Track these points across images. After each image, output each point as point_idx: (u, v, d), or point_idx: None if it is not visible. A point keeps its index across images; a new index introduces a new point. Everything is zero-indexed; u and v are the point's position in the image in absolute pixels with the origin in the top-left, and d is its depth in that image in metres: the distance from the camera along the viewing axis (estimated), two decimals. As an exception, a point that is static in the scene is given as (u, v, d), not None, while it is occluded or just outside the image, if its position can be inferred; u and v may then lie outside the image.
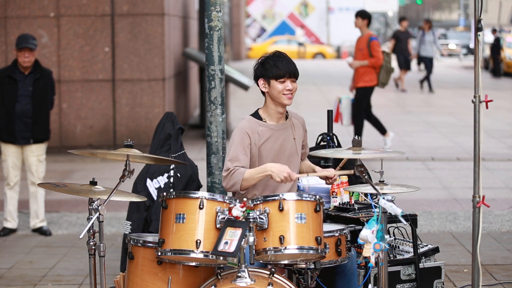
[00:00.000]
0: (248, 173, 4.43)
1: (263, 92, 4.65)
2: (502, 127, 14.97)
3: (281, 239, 3.93)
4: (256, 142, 4.55)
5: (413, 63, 32.06)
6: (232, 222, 3.90)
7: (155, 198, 5.79)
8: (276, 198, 4.02)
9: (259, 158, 4.57)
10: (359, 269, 4.90)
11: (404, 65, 22.19)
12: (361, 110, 11.52)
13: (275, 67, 4.54)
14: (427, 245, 5.36)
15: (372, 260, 3.88)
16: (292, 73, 4.55)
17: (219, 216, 3.98)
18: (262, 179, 4.45)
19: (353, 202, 5.23)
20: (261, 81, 4.60)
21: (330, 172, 4.66)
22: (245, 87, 13.50)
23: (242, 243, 3.82)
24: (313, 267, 4.17)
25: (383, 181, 4.41)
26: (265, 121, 4.63)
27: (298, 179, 5.13)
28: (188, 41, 15.77)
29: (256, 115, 4.66)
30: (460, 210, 8.55)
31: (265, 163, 4.49)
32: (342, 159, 5.90)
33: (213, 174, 5.61)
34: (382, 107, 17.58)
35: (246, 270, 3.92)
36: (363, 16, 11.45)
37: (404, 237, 5.45)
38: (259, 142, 4.56)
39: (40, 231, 7.76)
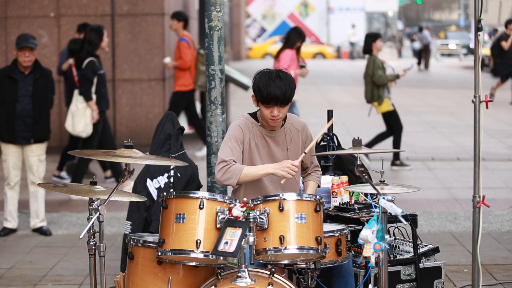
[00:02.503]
0: (247, 170, 4.43)
1: None
2: (502, 127, 14.96)
3: (281, 239, 3.93)
4: (248, 141, 4.56)
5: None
6: (232, 222, 3.91)
7: (155, 198, 5.78)
8: (276, 198, 4.02)
9: (249, 160, 4.56)
10: (359, 269, 4.90)
11: (507, 74, 18.36)
12: (190, 113, 11.44)
13: (263, 91, 4.39)
14: (427, 245, 5.36)
15: (372, 260, 3.88)
16: (279, 101, 4.40)
17: (219, 216, 3.98)
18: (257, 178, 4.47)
19: (353, 202, 5.22)
20: (253, 97, 4.55)
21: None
22: (245, 87, 13.50)
23: (242, 243, 3.82)
24: (313, 267, 4.18)
25: (384, 181, 4.41)
26: (261, 125, 4.64)
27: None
28: (188, 41, 15.75)
29: (254, 115, 4.67)
30: (460, 210, 8.55)
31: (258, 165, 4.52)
32: (343, 158, 5.91)
33: (213, 174, 5.60)
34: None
35: (246, 270, 3.92)
36: (179, 18, 11.26)
37: (404, 237, 5.45)
38: (251, 142, 4.56)
39: (40, 231, 7.76)
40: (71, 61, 9.58)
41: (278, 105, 4.42)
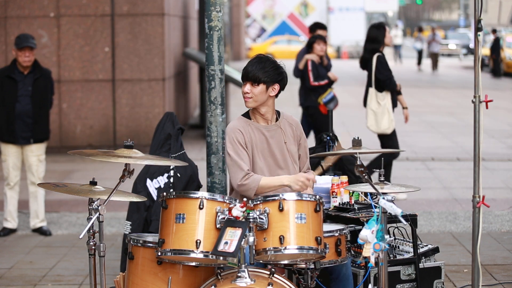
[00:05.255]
0: (264, 181, 4.47)
1: None
2: (502, 127, 14.97)
3: (281, 239, 3.93)
4: (249, 140, 4.58)
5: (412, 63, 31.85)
6: (232, 222, 3.90)
7: (155, 198, 5.78)
8: (276, 198, 4.02)
9: (254, 157, 4.57)
10: (359, 269, 4.90)
11: None
12: None
13: (243, 70, 4.62)
14: (427, 245, 5.36)
15: (372, 260, 3.88)
16: (249, 77, 4.57)
17: (219, 216, 3.98)
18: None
19: (353, 202, 5.23)
20: None
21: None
22: (245, 87, 13.49)
23: (242, 243, 3.82)
24: (313, 267, 4.17)
25: (383, 180, 4.41)
26: (254, 121, 4.67)
27: None
28: (188, 41, 15.77)
29: (246, 115, 4.72)
30: (460, 210, 8.55)
31: (257, 165, 4.55)
32: (343, 158, 5.91)
33: (213, 174, 5.60)
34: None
35: (246, 270, 3.92)
36: None
37: (404, 237, 5.45)
38: (250, 139, 4.58)
39: (40, 231, 7.76)
40: (308, 56, 9.57)
41: (249, 82, 4.56)
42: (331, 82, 9.69)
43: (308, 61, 9.55)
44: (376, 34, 8.70)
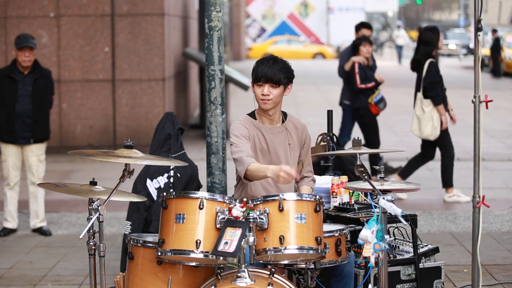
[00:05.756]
0: (254, 166, 4.39)
1: None
2: (502, 127, 14.96)
3: (281, 239, 3.93)
4: (252, 137, 4.57)
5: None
6: (232, 222, 3.90)
7: (155, 198, 5.78)
8: (276, 198, 4.02)
9: (255, 157, 4.57)
10: (359, 269, 4.90)
11: None
12: None
13: (256, 70, 4.54)
14: (427, 245, 5.36)
15: (372, 260, 3.88)
16: (269, 78, 4.50)
17: (219, 216, 3.98)
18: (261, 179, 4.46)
19: (353, 202, 5.23)
20: (251, 83, 4.65)
21: None
22: (245, 87, 13.51)
23: (242, 243, 3.82)
24: (313, 267, 4.18)
25: (383, 177, 4.41)
26: (259, 122, 4.65)
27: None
28: (188, 41, 15.77)
29: (252, 114, 4.70)
30: (460, 210, 8.55)
31: (261, 163, 4.53)
32: (342, 158, 5.91)
33: (213, 174, 5.60)
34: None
35: (246, 270, 3.92)
36: None
37: (404, 237, 5.45)
38: (254, 138, 4.58)
39: (40, 231, 7.76)
40: (354, 58, 9.55)
41: (269, 83, 4.50)
42: (377, 84, 9.67)
43: (355, 63, 9.52)
44: (431, 37, 8.66)
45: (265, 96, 4.52)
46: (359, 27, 10.21)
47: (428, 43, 8.67)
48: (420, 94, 8.74)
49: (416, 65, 8.81)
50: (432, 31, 8.80)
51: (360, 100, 9.64)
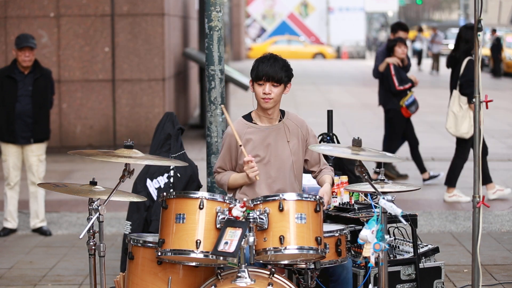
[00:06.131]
0: (232, 178, 4.62)
1: None
2: (502, 127, 14.96)
3: (281, 239, 3.93)
4: (244, 142, 4.56)
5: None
6: (232, 222, 3.90)
7: (155, 198, 5.78)
8: (276, 198, 4.02)
9: (254, 158, 4.56)
10: (359, 269, 4.90)
11: None
12: None
13: (256, 69, 4.52)
14: (427, 245, 5.36)
15: (372, 260, 3.88)
16: (270, 77, 4.48)
17: (219, 216, 3.98)
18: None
19: (353, 202, 5.22)
20: (250, 82, 4.63)
21: None
22: (245, 87, 13.51)
23: (242, 243, 3.82)
24: (313, 267, 4.17)
25: (384, 179, 4.41)
26: (255, 123, 4.63)
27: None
28: (188, 41, 15.77)
29: (248, 116, 4.68)
30: (460, 210, 8.55)
31: (258, 166, 4.54)
32: (343, 158, 5.90)
33: (213, 174, 5.60)
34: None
35: (246, 270, 3.92)
36: None
37: (404, 237, 5.45)
38: (249, 140, 4.57)
39: (40, 231, 7.76)
40: (389, 60, 9.52)
41: (270, 82, 4.49)
42: (412, 85, 9.64)
43: (390, 65, 9.49)
44: (471, 36, 8.58)
45: (266, 95, 4.51)
46: (396, 28, 10.14)
47: (468, 41, 8.63)
48: (456, 92, 8.75)
49: (453, 62, 8.80)
50: (472, 29, 8.82)
51: (392, 102, 9.61)
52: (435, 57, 31.11)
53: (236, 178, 4.59)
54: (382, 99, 9.82)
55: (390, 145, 9.76)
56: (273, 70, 4.48)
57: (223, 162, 4.67)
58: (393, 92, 9.59)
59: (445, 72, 31.15)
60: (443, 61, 34.31)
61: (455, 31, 47.30)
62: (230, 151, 4.62)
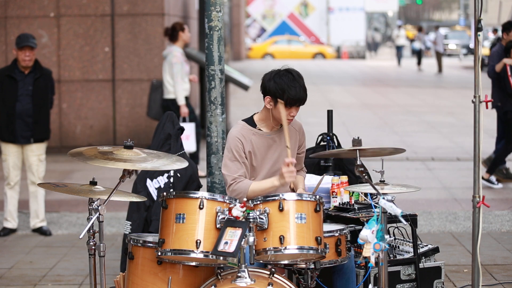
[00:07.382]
0: (254, 186, 4.43)
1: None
2: (502, 127, 14.94)
3: (281, 239, 3.93)
4: (250, 150, 4.54)
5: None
6: (232, 222, 3.91)
7: (155, 198, 5.79)
8: (276, 198, 4.02)
9: (257, 166, 4.55)
10: (359, 269, 4.90)
11: None
12: None
13: (287, 93, 4.39)
14: (427, 245, 5.36)
15: (372, 260, 3.88)
16: (302, 102, 4.46)
17: (219, 216, 3.98)
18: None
19: (353, 202, 5.22)
20: (267, 99, 4.50)
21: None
22: (245, 87, 13.50)
23: (242, 243, 3.82)
24: (313, 267, 4.18)
25: (384, 181, 4.41)
26: (259, 129, 4.61)
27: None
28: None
29: (250, 121, 4.64)
30: (460, 210, 8.55)
31: (262, 171, 4.55)
32: (343, 158, 5.91)
33: (213, 174, 5.60)
34: (382, 107, 17.62)
35: (246, 270, 3.92)
36: None
37: (404, 237, 5.45)
38: (252, 150, 4.54)
39: (40, 231, 7.76)
40: (506, 61, 9.41)
41: (298, 105, 4.47)
42: None
43: (507, 66, 9.40)
44: None
45: (293, 117, 4.52)
46: (509, 27, 9.96)
47: None
48: None
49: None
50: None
51: (509, 104, 9.50)
52: (438, 57, 31.02)
53: (261, 184, 4.44)
54: (498, 100, 9.58)
55: (508, 148, 9.61)
56: (304, 95, 4.45)
57: (241, 167, 4.49)
58: (509, 93, 9.48)
59: (445, 72, 31.17)
60: (445, 61, 34.44)
61: (455, 31, 47.37)
62: (241, 156, 4.54)
